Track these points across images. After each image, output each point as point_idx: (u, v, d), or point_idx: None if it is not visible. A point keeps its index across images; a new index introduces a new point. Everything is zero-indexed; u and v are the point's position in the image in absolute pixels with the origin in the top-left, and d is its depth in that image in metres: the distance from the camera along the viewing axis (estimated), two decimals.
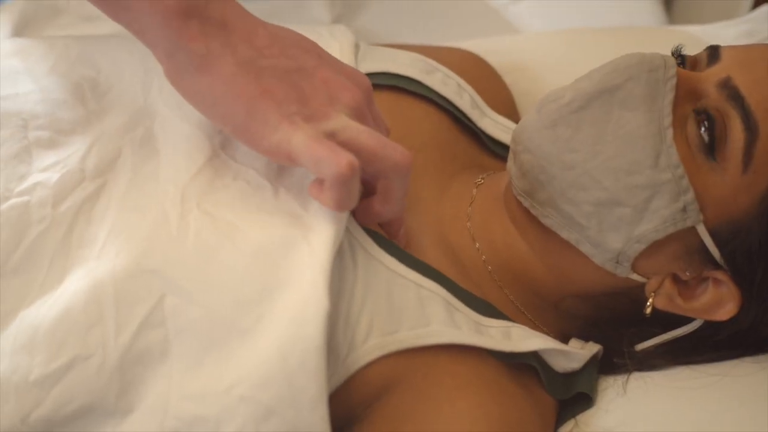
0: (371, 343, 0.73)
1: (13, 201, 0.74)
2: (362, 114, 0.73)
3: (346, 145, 0.69)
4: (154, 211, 0.73)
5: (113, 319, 0.68)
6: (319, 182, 0.70)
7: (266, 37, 0.72)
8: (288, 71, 0.71)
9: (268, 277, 0.69)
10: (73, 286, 0.71)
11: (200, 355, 0.68)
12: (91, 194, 0.76)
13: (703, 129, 0.77)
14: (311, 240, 0.71)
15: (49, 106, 0.81)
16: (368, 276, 0.75)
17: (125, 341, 0.68)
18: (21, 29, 1.06)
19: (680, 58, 0.83)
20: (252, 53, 0.70)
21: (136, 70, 0.84)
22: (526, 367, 0.80)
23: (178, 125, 0.79)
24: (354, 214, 0.77)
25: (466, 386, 0.75)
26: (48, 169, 0.77)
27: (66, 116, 0.80)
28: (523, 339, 0.79)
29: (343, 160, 0.67)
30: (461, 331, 0.76)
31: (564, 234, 0.80)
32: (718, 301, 0.79)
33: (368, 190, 0.76)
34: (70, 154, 0.78)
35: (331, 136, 0.69)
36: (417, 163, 0.88)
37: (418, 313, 0.75)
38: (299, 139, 0.68)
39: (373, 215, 0.76)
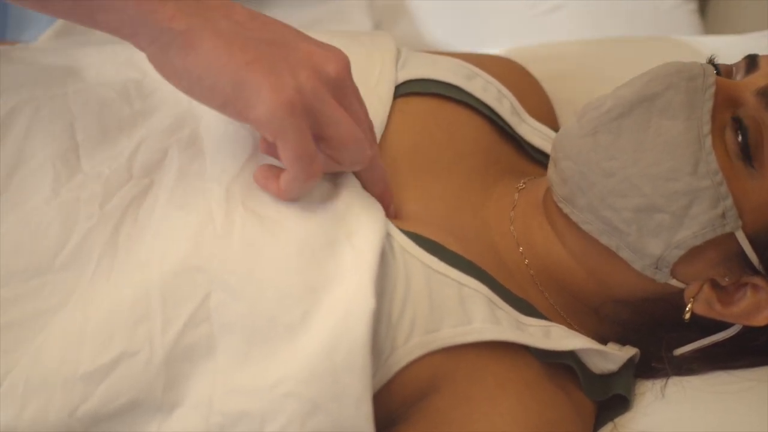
0: (413, 342, 0.73)
1: (61, 198, 0.75)
2: (345, 86, 0.73)
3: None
4: (199, 209, 0.74)
5: (160, 316, 0.69)
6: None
7: (245, 14, 0.72)
8: (271, 43, 0.70)
9: (313, 275, 0.70)
10: (120, 283, 0.72)
11: (245, 350, 0.69)
12: (139, 193, 0.77)
13: (739, 137, 0.77)
14: (354, 241, 0.72)
15: (96, 106, 0.82)
16: (409, 275, 0.75)
17: (172, 337, 0.69)
18: (65, 31, 1.06)
19: (716, 67, 0.84)
20: (234, 27, 0.70)
21: None
22: (563, 368, 0.81)
23: (222, 126, 0.80)
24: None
25: (507, 386, 0.76)
26: (96, 168, 0.78)
27: (113, 116, 0.81)
28: (562, 338, 0.80)
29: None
30: (502, 327, 0.76)
31: (604, 240, 0.81)
32: (757, 306, 0.80)
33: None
34: (118, 154, 0.79)
35: None
36: (462, 169, 0.89)
37: (459, 310, 0.75)
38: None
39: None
